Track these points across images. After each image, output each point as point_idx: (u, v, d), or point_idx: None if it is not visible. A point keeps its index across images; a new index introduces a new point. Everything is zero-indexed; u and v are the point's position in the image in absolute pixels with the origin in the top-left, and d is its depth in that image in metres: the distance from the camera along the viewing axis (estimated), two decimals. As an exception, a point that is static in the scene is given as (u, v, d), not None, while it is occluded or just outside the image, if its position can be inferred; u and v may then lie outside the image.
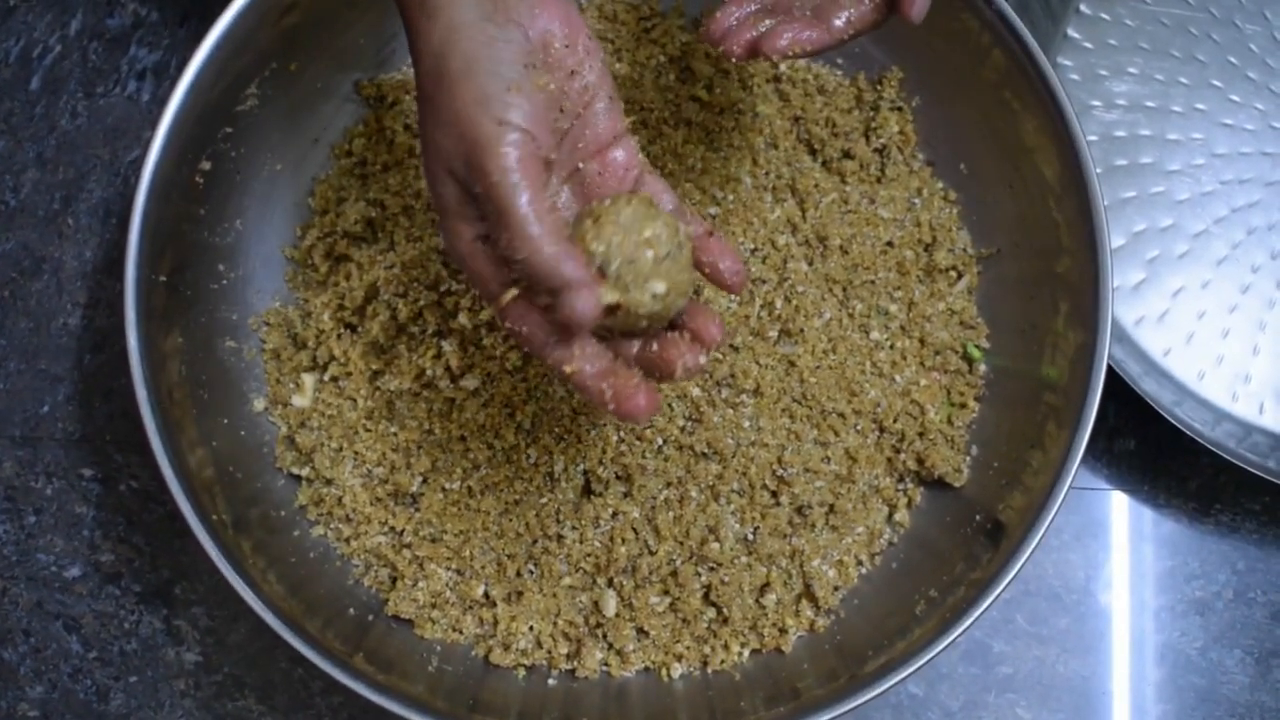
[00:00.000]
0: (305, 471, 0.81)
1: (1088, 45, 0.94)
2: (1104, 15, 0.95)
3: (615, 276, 0.55)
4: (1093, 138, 0.92)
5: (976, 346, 0.83)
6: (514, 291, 0.55)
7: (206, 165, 0.78)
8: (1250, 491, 0.89)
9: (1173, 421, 0.82)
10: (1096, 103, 0.93)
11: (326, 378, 0.81)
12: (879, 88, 0.87)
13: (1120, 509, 0.89)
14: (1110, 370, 0.75)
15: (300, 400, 0.81)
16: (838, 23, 0.66)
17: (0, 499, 0.86)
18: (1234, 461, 0.83)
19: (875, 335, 0.82)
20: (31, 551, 0.86)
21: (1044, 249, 0.80)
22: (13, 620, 0.85)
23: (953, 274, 0.85)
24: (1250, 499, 0.89)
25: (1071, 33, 0.94)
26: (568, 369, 0.56)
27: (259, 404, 0.82)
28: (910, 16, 0.65)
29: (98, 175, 0.91)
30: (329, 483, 0.80)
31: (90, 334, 0.89)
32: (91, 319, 0.89)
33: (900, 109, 0.87)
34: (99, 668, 0.85)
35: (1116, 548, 0.88)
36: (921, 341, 0.83)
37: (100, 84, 0.92)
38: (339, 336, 0.80)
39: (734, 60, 0.66)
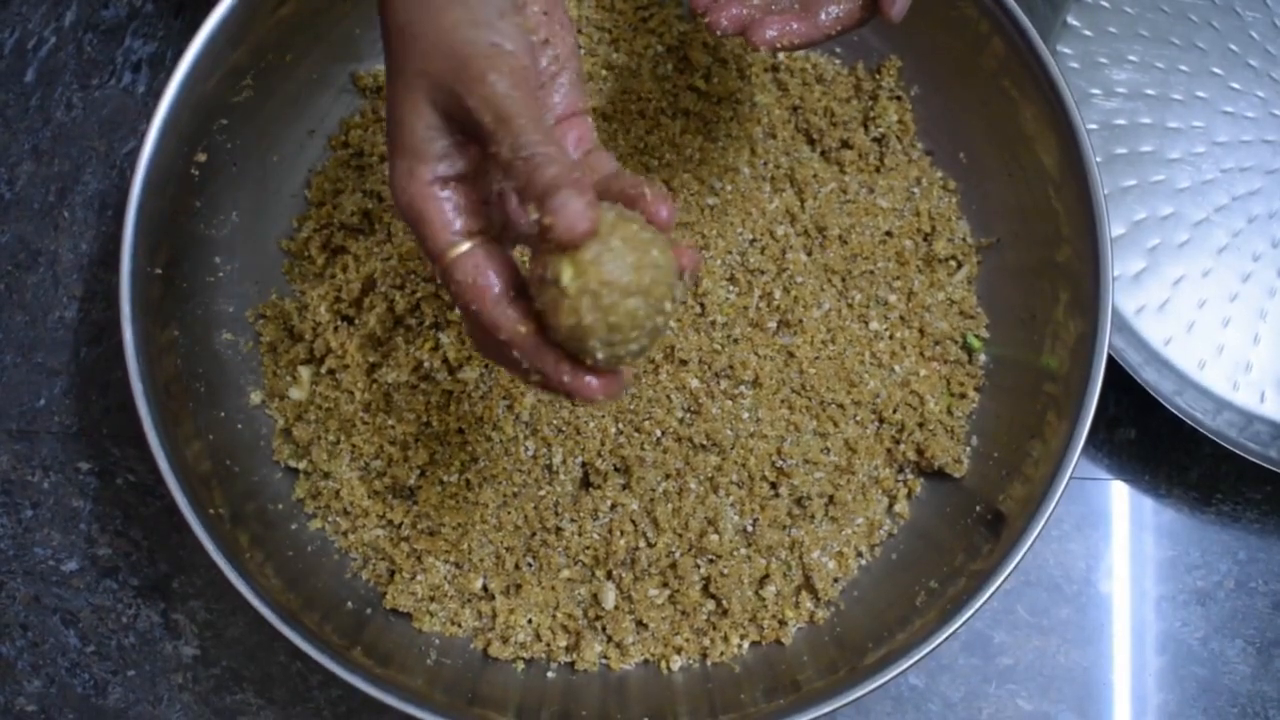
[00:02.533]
0: (302, 465, 0.80)
1: (1087, 33, 0.94)
2: (1103, 2, 0.94)
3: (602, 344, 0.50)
4: (1092, 126, 0.91)
5: (976, 336, 0.83)
6: (466, 245, 0.51)
7: (202, 157, 0.78)
8: (1251, 481, 0.89)
9: (1173, 411, 0.82)
10: (1096, 91, 0.93)
11: (323, 370, 0.80)
12: (877, 77, 0.86)
13: (1121, 499, 0.89)
14: (1111, 359, 0.75)
15: (297, 393, 0.81)
16: (824, 18, 0.66)
17: (-3, 493, 0.86)
18: (1235, 451, 0.82)
19: (874, 325, 0.82)
20: (29, 545, 0.86)
21: (1044, 238, 0.80)
22: (10, 614, 0.85)
23: (952, 263, 0.84)
24: (1251, 488, 0.89)
25: (1071, 20, 0.94)
26: (521, 329, 0.50)
27: (256, 397, 0.82)
28: (890, 16, 0.65)
29: (93, 167, 0.90)
30: (326, 476, 0.79)
31: (87, 327, 0.88)
32: (88, 312, 0.88)
33: (899, 98, 0.86)
34: (97, 662, 0.85)
35: (1117, 538, 0.88)
36: (921, 331, 0.83)
37: (95, 76, 0.92)
38: (336, 329, 0.80)
39: (717, 34, 0.66)
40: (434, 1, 0.53)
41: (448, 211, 0.52)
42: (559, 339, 0.50)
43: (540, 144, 0.48)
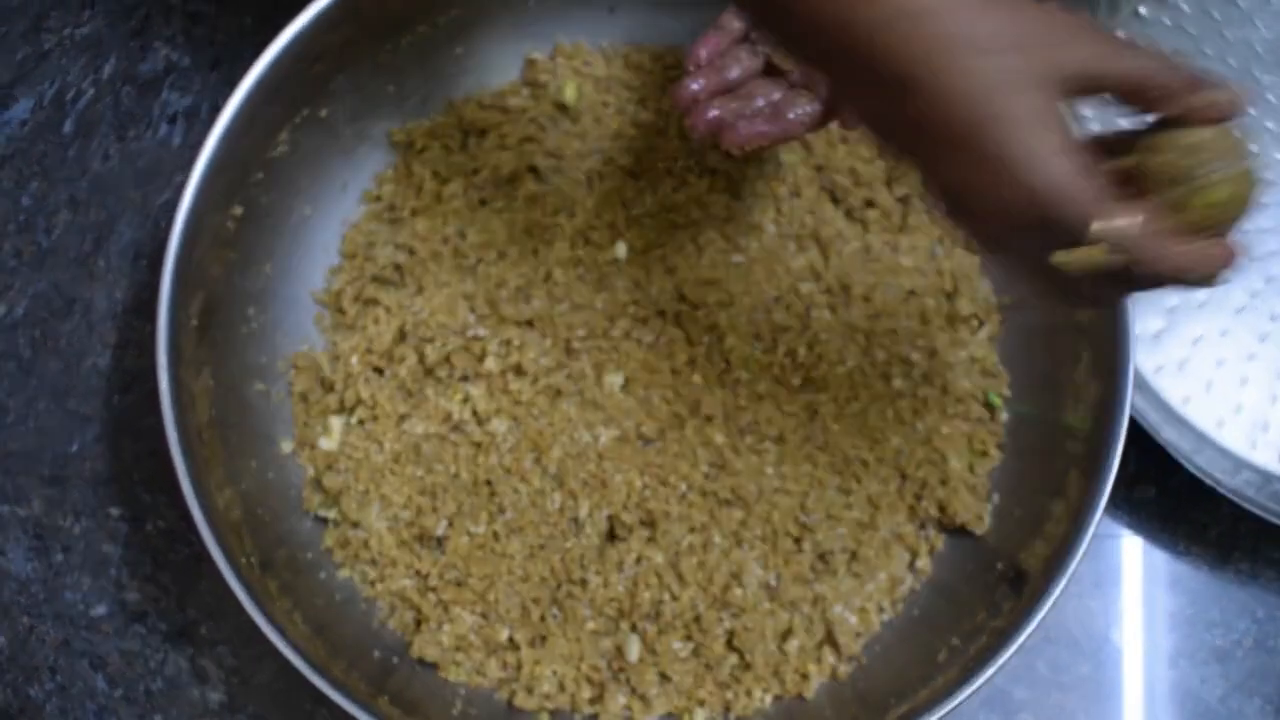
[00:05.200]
0: (332, 514, 0.81)
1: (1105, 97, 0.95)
2: (1123, 66, 0.96)
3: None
4: (1112, 187, 0.92)
5: (998, 395, 0.84)
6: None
7: (238, 210, 0.79)
8: (1270, 540, 0.89)
9: (1192, 470, 0.83)
10: (1116, 152, 0.94)
11: (354, 421, 0.81)
12: (901, 137, 0.87)
13: (1140, 556, 0.89)
14: (1130, 418, 0.76)
15: (327, 443, 0.82)
16: (792, 117, 0.73)
17: (29, 537, 0.87)
18: (1253, 510, 0.83)
19: (897, 383, 0.83)
20: (59, 590, 0.87)
21: (1065, 298, 0.81)
22: (39, 658, 0.86)
23: (974, 322, 0.85)
24: (1270, 547, 0.89)
25: (1091, 83, 0.95)
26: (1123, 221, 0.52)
27: (287, 446, 0.83)
28: (846, 126, 0.76)
29: (129, 217, 0.92)
30: (355, 525, 0.80)
31: (119, 374, 0.89)
32: (121, 359, 0.90)
33: (922, 158, 0.87)
34: (124, 706, 0.85)
35: (1136, 595, 0.88)
36: (943, 390, 0.83)
37: (132, 127, 0.93)
38: (366, 380, 0.81)
39: (695, 137, 0.73)
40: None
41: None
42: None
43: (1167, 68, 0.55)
